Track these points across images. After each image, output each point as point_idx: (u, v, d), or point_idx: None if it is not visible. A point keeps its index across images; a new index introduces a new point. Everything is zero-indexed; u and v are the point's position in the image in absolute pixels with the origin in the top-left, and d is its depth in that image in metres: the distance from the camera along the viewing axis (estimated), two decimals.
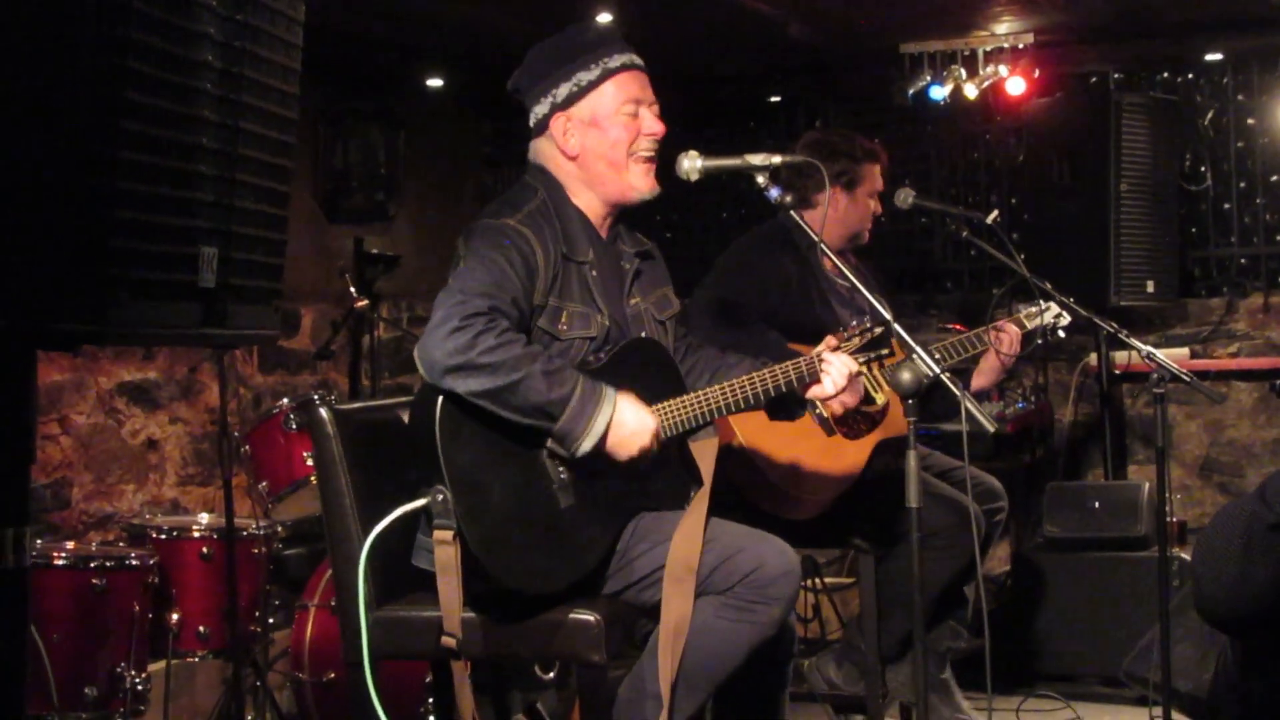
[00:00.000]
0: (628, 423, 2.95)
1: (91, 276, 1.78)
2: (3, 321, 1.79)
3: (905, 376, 2.88)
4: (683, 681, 2.96)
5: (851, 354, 3.24)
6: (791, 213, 3.20)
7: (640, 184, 3.21)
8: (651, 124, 3.20)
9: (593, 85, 3.16)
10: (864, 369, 3.30)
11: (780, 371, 3.17)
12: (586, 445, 2.92)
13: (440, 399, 2.87)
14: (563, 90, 3.16)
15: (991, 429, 3.02)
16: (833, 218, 4.23)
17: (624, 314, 3.21)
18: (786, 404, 3.28)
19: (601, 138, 3.16)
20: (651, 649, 3.00)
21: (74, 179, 1.78)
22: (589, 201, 3.22)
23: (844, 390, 3.21)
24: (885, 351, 3.28)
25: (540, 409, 2.87)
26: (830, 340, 3.25)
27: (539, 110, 3.20)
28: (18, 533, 1.89)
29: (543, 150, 3.24)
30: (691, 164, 3.20)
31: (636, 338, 3.20)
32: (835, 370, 3.19)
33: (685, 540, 2.99)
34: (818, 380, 3.19)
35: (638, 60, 3.22)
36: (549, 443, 2.96)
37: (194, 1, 1.92)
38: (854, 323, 3.29)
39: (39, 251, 1.79)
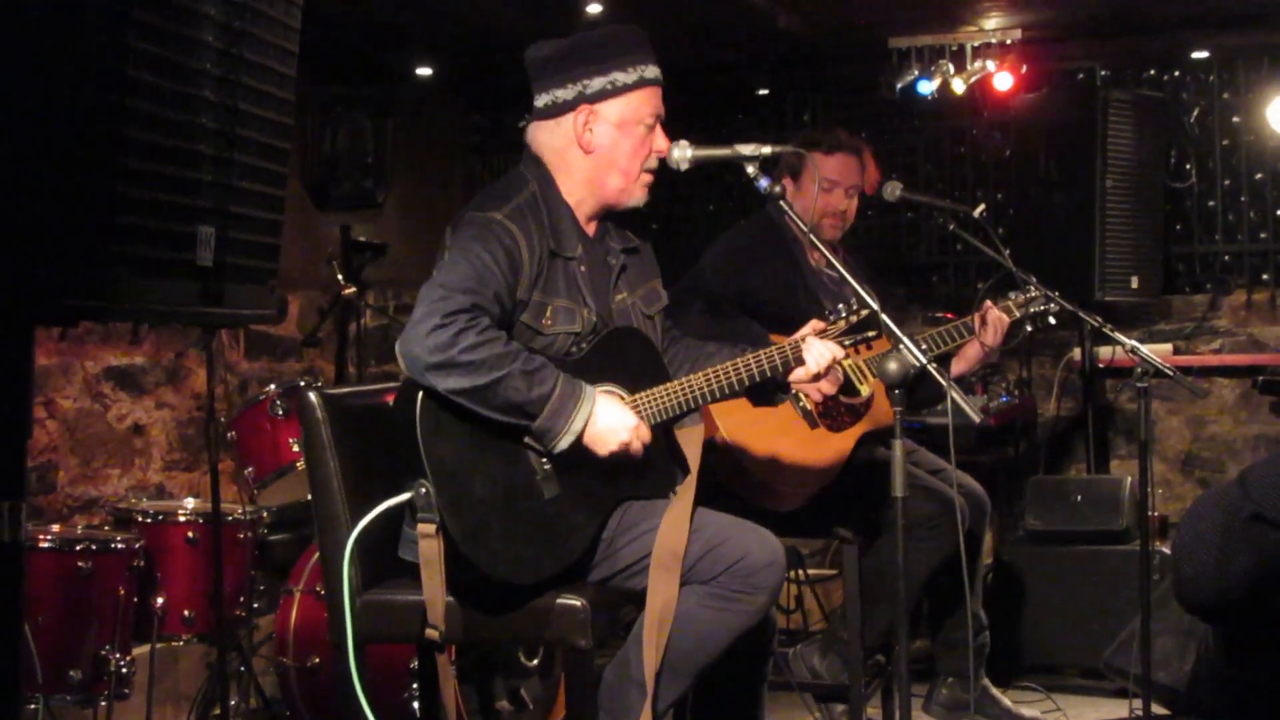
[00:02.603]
0: (607, 419, 2.96)
1: (93, 253, 1.79)
2: (3, 296, 1.79)
3: (892, 367, 2.90)
4: (666, 669, 2.97)
5: (836, 339, 3.25)
6: (781, 203, 3.21)
7: (639, 196, 3.23)
8: (662, 142, 3.21)
9: (627, 89, 3.15)
10: (850, 353, 3.31)
11: (765, 356, 3.18)
12: (564, 443, 2.93)
13: (421, 393, 2.88)
14: (596, 84, 3.14)
15: (977, 420, 3.04)
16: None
17: (610, 309, 3.21)
18: (768, 390, 3.28)
19: (619, 143, 3.16)
20: (636, 635, 3.01)
21: (77, 156, 1.78)
22: (581, 198, 3.21)
23: (825, 375, 3.23)
24: (872, 334, 3.28)
25: (519, 408, 2.88)
26: (815, 324, 3.25)
27: (561, 94, 3.16)
28: (13, 507, 1.89)
29: (549, 133, 3.20)
30: (682, 154, 3.21)
31: (617, 327, 3.19)
32: (817, 354, 3.19)
33: (672, 528, 3.00)
34: (801, 363, 3.20)
35: (662, 78, 3.23)
36: (527, 437, 2.97)
37: None
38: (839, 306, 3.28)
39: (41, 227, 1.79)
